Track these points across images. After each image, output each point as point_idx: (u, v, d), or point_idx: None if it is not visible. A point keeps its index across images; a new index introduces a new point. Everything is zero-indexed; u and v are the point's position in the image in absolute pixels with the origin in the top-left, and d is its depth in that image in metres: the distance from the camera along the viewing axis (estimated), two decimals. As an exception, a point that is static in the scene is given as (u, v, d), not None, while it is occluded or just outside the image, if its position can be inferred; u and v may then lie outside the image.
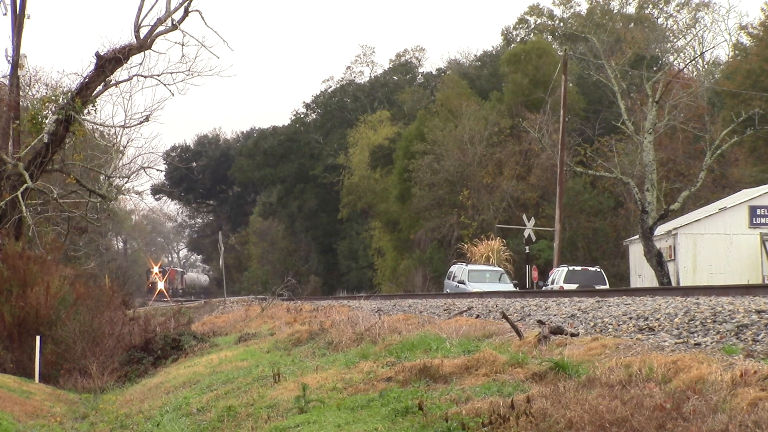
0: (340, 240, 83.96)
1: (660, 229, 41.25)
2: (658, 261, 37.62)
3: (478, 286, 38.65)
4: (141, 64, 28.40)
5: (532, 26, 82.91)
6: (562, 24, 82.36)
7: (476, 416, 8.77)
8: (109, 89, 28.41)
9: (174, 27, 28.05)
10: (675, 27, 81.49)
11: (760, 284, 29.65)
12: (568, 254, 53.84)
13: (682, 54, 74.51)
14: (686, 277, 41.56)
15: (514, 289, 37.48)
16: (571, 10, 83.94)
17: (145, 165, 37.33)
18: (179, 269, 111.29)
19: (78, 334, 24.24)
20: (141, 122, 29.87)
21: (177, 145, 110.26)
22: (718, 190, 55.36)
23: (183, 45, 28.17)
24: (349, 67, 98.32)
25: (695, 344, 11.10)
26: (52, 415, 17.35)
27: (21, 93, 31.18)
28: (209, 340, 26.21)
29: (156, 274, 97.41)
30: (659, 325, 12.90)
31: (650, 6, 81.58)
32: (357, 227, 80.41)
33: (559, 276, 39.00)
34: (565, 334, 12.78)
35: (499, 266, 46.60)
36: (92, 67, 27.60)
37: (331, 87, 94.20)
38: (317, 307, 31.90)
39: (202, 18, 28.09)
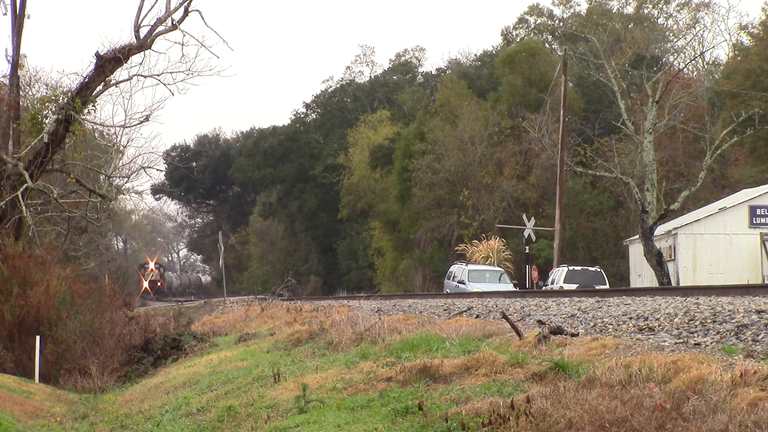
0: (340, 240, 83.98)
1: (660, 229, 41.23)
2: (658, 261, 37.60)
3: (478, 286, 38.64)
4: (141, 64, 28.40)
5: (532, 26, 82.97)
6: (561, 24, 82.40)
7: (476, 416, 8.77)
8: (109, 89, 28.39)
9: (174, 27, 28.02)
10: (675, 27, 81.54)
11: (760, 284, 29.63)
12: (568, 254, 53.83)
13: (682, 54, 74.48)
14: (686, 277, 41.54)
15: (514, 289, 37.46)
16: (571, 10, 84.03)
17: (145, 165, 37.32)
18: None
19: (78, 334, 24.25)
20: (141, 122, 29.86)
21: (177, 145, 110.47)
22: (718, 190, 55.34)
23: (183, 45, 28.16)
24: (348, 67, 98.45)
25: (695, 344, 11.10)
26: (52, 415, 17.36)
27: (21, 93, 31.16)
28: (209, 340, 26.21)
29: (152, 270, 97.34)
30: (659, 325, 12.90)
31: (650, 6, 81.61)
32: (357, 227, 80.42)
33: (559, 276, 38.99)
34: (565, 334, 12.78)
35: (499, 266, 46.58)
36: (92, 67, 27.58)
37: (331, 87, 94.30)
38: (317, 307, 31.89)
39: (202, 18, 28.09)
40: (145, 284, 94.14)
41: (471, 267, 42.74)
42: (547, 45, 78.59)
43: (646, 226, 37.65)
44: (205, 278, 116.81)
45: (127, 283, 55.16)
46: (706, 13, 78.27)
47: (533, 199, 60.52)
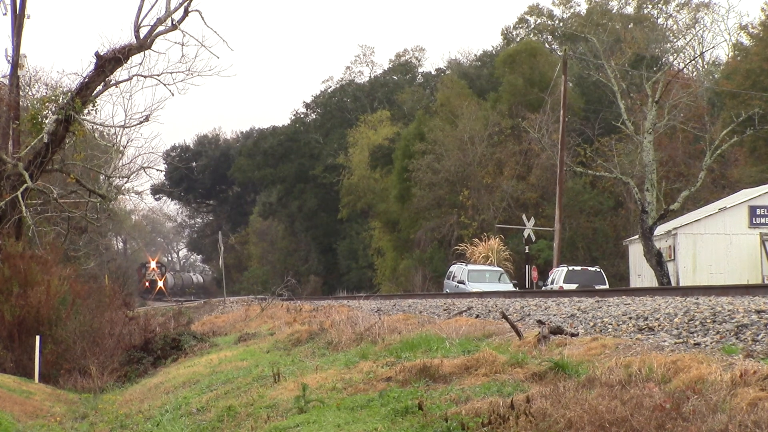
0: (340, 240, 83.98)
1: (660, 229, 41.24)
2: (657, 261, 37.60)
3: (478, 286, 38.64)
4: (141, 64, 28.35)
5: (532, 26, 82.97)
6: (561, 24, 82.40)
7: (476, 416, 8.77)
8: (109, 89, 28.36)
9: (174, 27, 28.00)
10: (675, 27, 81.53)
11: (759, 284, 29.62)
12: (568, 254, 53.83)
13: (682, 54, 74.46)
14: (686, 277, 41.54)
15: (514, 289, 37.47)
16: (571, 10, 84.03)
17: (145, 165, 37.36)
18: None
19: (78, 334, 24.25)
20: (141, 122, 29.83)
21: (177, 145, 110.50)
22: (718, 190, 55.34)
23: (183, 45, 28.11)
24: (348, 67, 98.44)
25: (695, 344, 11.10)
26: (52, 415, 17.36)
27: (21, 93, 31.13)
28: (209, 340, 26.22)
29: (153, 269, 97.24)
30: (659, 325, 12.90)
31: (650, 6, 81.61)
32: (357, 227, 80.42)
33: (558, 276, 38.99)
34: (565, 334, 12.78)
35: (498, 266, 46.59)
36: (92, 67, 27.56)
37: (330, 87, 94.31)
38: (317, 307, 31.89)
39: (202, 18, 28.06)
40: (148, 284, 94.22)
41: (471, 267, 42.74)
42: (547, 45, 78.58)
43: (646, 226, 37.65)
44: (197, 278, 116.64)
45: (127, 283, 55.09)
46: (705, 13, 78.30)
47: (533, 199, 60.52)
